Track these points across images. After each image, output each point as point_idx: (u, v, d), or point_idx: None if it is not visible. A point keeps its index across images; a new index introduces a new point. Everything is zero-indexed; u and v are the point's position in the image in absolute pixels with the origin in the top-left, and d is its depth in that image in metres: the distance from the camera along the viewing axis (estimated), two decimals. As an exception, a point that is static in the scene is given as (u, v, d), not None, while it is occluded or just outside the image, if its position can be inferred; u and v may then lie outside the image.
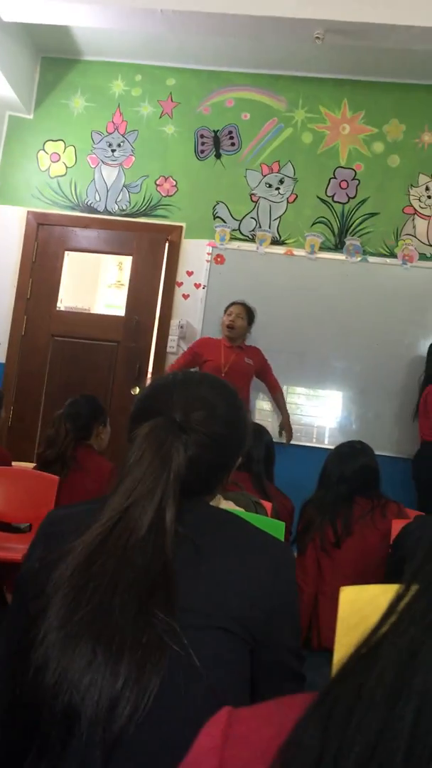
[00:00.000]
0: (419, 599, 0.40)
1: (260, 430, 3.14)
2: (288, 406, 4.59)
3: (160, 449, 0.95)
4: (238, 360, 4.23)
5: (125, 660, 0.81)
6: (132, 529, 0.90)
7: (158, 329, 4.77)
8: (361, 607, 1.23)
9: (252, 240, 4.77)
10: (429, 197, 4.67)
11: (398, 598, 0.41)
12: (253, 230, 4.78)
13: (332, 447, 4.43)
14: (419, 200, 4.68)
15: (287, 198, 4.78)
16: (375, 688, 0.37)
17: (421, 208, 4.67)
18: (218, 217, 4.81)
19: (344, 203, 4.73)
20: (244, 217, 4.79)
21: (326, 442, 4.62)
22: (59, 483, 2.89)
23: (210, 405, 1.04)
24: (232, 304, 4.36)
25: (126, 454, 0.98)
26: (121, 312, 4.97)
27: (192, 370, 0.91)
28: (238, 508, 1.85)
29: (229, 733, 0.44)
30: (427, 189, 4.67)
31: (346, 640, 1.23)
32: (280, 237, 4.75)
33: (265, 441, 3.07)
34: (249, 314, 4.34)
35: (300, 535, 2.71)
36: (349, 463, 2.76)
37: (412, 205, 4.68)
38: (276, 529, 1.94)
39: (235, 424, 1.08)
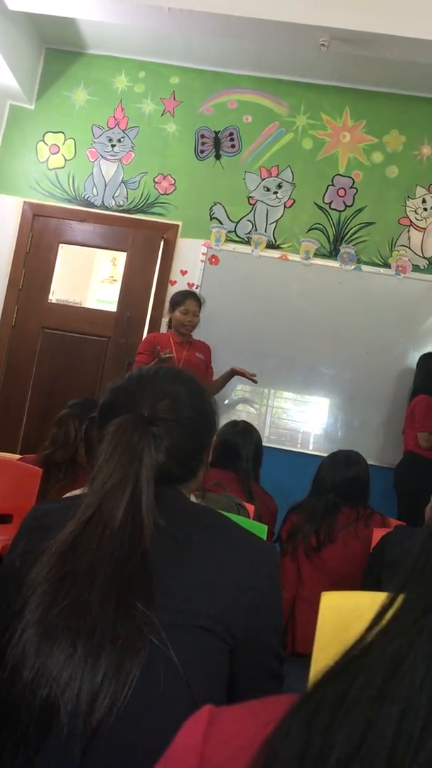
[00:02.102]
0: (406, 609, 0.41)
1: (250, 429, 3.14)
2: (274, 410, 4.60)
3: (129, 443, 0.97)
4: (190, 356, 4.15)
5: (105, 653, 0.81)
6: (106, 522, 0.91)
7: (149, 327, 4.76)
8: (342, 614, 1.24)
9: (247, 243, 4.77)
10: (425, 209, 4.70)
11: (385, 607, 0.42)
12: (249, 233, 4.78)
13: (317, 453, 4.50)
14: (415, 212, 4.70)
15: (284, 202, 4.79)
16: (362, 691, 0.38)
17: (417, 220, 4.70)
18: (215, 217, 4.81)
19: (341, 211, 4.75)
20: (240, 220, 4.80)
21: (311, 447, 4.63)
22: (64, 486, 2.72)
23: (173, 393, 1.07)
24: (186, 297, 4.16)
25: (97, 455, 0.99)
26: (112, 308, 4.96)
27: (151, 367, 0.93)
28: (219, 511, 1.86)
29: (210, 732, 0.44)
30: (423, 201, 4.70)
31: (325, 644, 1.24)
32: (275, 241, 4.76)
33: (255, 439, 3.08)
34: (200, 308, 4.22)
35: (284, 540, 2.71)
36: (341, 471, 2.77)
37: (408, 217, 4.71)
38: (258, 531, 1.95)
39: (201, 405, 1.10)
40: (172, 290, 4.78)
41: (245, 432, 3.08)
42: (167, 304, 4.38)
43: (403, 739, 0.35)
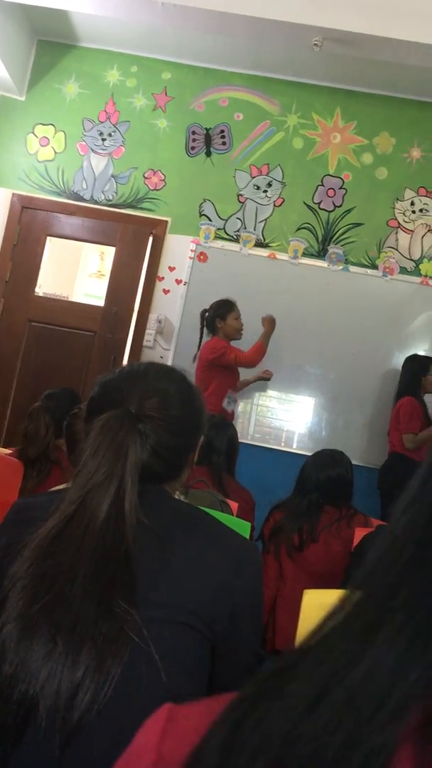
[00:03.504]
0: (359, 607, 0.40)
1: (224, 423, 3.13)
2: (259, 409, 4.61)
3: (115, 439, 0.97)
4: None
5: (86, 649, 0.81)
6: (89, 518, 0.91)
7: (136, 322, 4.75)
8: (324, 612, 1.24)
9: (236, 240, 4.77)
10: (413, 212, 4.72)
11: (340, 604, 0.41)
12: (237, 231, 4.78)
13: (301, 452, 4.51)
14: (404, 214, 4.72)
15: (274, 201, 4.80)
16: (299, 690, 0.37)
17: (405, 222, 4.72)
18: (204, 214, 4.81)
19: (330, 211, 4.76)
20: (230, 217, 4.80)
21: (294, 446, 4.64)
22: (39, 482, 2.66)
23: (162, 391, 1.07)
24: (234, 303, 4.24)
25: (82, 449, 0.98)
26: (99, 302, 4.94)
27: (142, 362, 0.91)
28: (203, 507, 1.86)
29: (168, 729, 0.44)
30: (412, 204, 4.72)
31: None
32: (264, 239, 4.77)
33: (228, 434, 3.06)
34: None
35: (267, 538, 2.72)
36: (325, 470, 2.77)
37: (396, 219, 4.73)
38: (241, 528, 1.95)
39: (189, 405, 1.10)
40: (159, 286, 4.77)
41: (219, 426, 3.06)
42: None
43: (327, 745, 0.34)
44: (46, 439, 2.75)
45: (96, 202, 4.87)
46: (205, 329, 4.29)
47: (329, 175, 4.78)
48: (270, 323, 4.22)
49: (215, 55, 4.69)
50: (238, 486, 2.99)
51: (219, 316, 4.22)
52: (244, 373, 4.36)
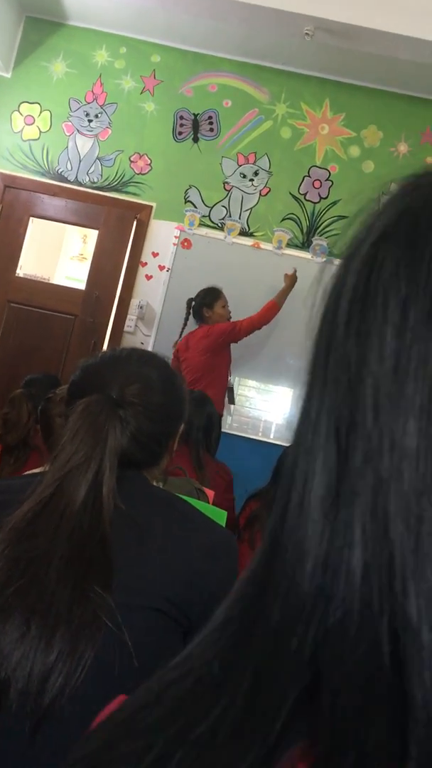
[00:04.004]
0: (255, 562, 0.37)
1: (203, 399, 3.11)
2: (237, 398, 4.61)
3: (94, 424, 0.96)
4: None
5: (59, 633, 0.81)
6: (66, 503, 0.90)
7: (117, 307, 4.72)
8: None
9: (221, 228, 4.76)
10: (398, 207, 4.73)
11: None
12: (223, 219, 4.76)
13: (278, 442, 4.53)
14: (388, 209, 4.73)
15: (260, 190, 4.78)
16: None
17: (390, 216, 4.73)
18: (189, 201, 4.78)
19: (315, 203, 4.76)
20: (215, 205, 4.77)
21: (272, 436, 4.66)
22: (16, 469, 2.64)
23: (144, 377, 1.06)
24: (221, 291, 4.28)
25: (61, 433, 0.98)
26: (81, 285, 4.90)
27: (124, 347, 0.90)
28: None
29: None
30: (397, 198, 4.73)
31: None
32: (249, 229, 4.75)
33: (207, 410, 3.04)
34: None
35: (242, 527, 2.72)
36: None
37: (381, 213, 4.73)
38: (218, 516, 1.95)
39: (171, 392, 1.10)
40: (142, 272, 4.74)
41: (199, 401, 3.03)
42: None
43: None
44: (27, 426, 2.73)
45: (80, 184, 4.82)
46: (191, 318, 4.28)
47: (316, 166, 4.78)
48: (291, 280, 4.26)
49: (206, 39, 4.65)
50: (216, 463, 2.98)
51: (206, 304, 4.21)
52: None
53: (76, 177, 4.82)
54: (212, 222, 4.76)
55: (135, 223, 4.74)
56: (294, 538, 0.33)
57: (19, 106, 4.85)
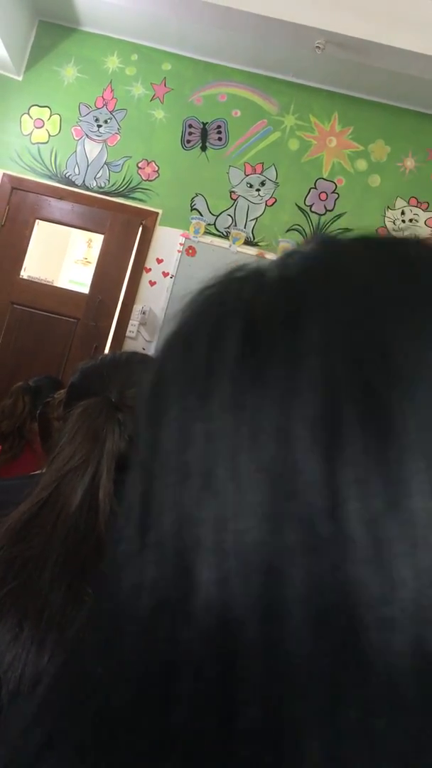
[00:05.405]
0: None
1: None
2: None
3: (93, 426, 0.96)
4: None
5: (53, 635, 0.81)
6: (62, 505, 0.90)
7: (120, 312, 4.73)
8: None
9: (226, 237, 4.77)
10: (403, 221, 4.75)
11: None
12: (228, 227, 4.78)
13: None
14: (393, 223, 4.75)
15: (266, 200, 4.80)
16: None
17: (395, 230, 4.75)
18: (195, 209, 4.79)
19: (321, 215, 4.77)
20: (221, 213, 4.79)
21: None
22: (12, 457, 2.75)
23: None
24: None
25: (59, 435, 0.98)
26: (84, 289, 4.91)
27: (125, 351, 0.92)
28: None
29: None
30: (402, 213, 4.75)
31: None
32: (254, 238, 4.77)
33: None
34: None
35: None
36: None
37: (386, 227, 4.75)
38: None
39: None
40: (146, 278, 4.75)
41: None
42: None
43: None
44: (22, 415, 2.82)
45: (87, 189, 4.83)
46: None
47: (323, 178, 4.79)
48: None
49: (217, 49, 4.67)
50: None
51: None
52: None
53: (84, 181, 4.84)
54: (217, 230, 4.78)
55: (140, 229, 4.75)
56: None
57: (29, 108, 4.88)
